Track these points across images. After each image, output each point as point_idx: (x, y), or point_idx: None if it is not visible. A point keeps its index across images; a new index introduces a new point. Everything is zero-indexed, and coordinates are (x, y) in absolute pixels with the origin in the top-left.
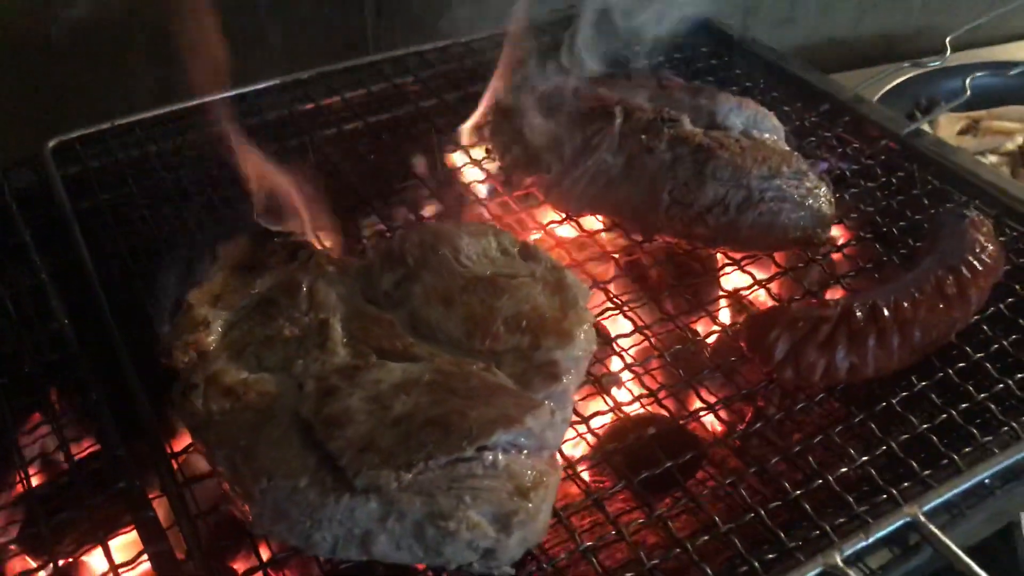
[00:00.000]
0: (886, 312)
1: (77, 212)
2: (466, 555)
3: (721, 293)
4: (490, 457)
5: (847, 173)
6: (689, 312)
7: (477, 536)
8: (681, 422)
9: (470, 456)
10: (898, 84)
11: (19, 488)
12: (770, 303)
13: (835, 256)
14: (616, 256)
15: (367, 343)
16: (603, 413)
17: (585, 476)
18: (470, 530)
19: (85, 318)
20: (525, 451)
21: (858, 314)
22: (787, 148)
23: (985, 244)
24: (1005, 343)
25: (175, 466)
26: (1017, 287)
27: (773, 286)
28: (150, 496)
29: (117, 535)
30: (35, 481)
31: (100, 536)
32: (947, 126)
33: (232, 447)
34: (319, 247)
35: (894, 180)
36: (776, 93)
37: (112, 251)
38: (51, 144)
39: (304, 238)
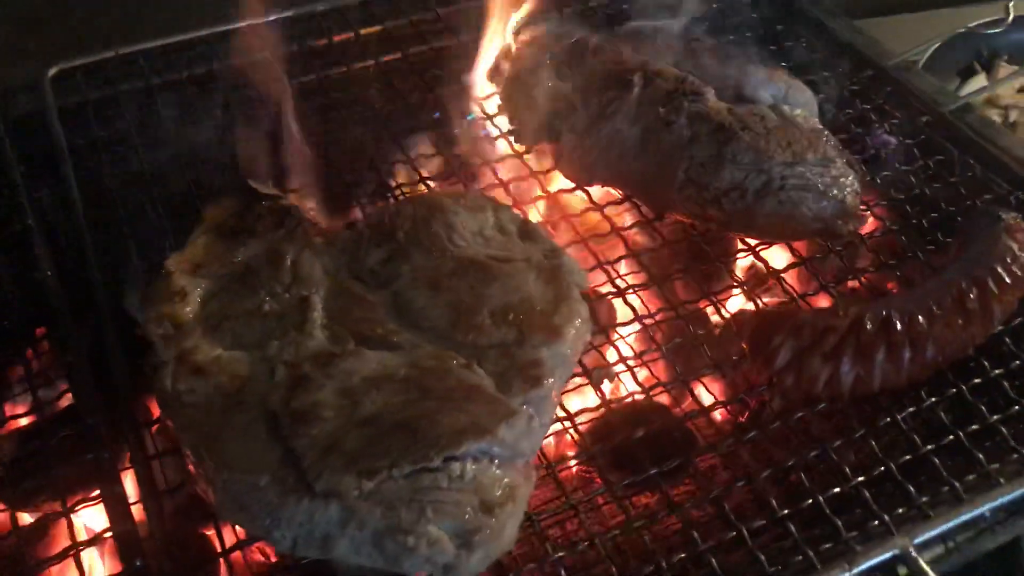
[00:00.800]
0: (898, 325)
1: (72, 147)
2: (425, 568)
3: (732, 282)
4: (457, 468)
5: (882, 153)
6: (696, 300)
7: (436, 552)
8: (673, 421)
9: (436, 466)
10: (957, 36)
11: None
12: (782, 296)
13: (857, 247)
14: (625, 234)
15: (346, 326)
16: (592, 409)
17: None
18: (430, 546)
19: (71, 268)
20: (497, 460)
21: (868, 326)
22: (818, 126)
23: (1018, 253)
24: None
25: (149, 436)
26: None
27: (788, 276)
28: (123, 467)
29: (86, 506)
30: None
31: (66, 508)
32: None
33: (197, 433)
34: (309, 213)
35: (931, 164)
36: (817, 54)
37: (104, 192)
38: (51, 72)
39: (293, 203)
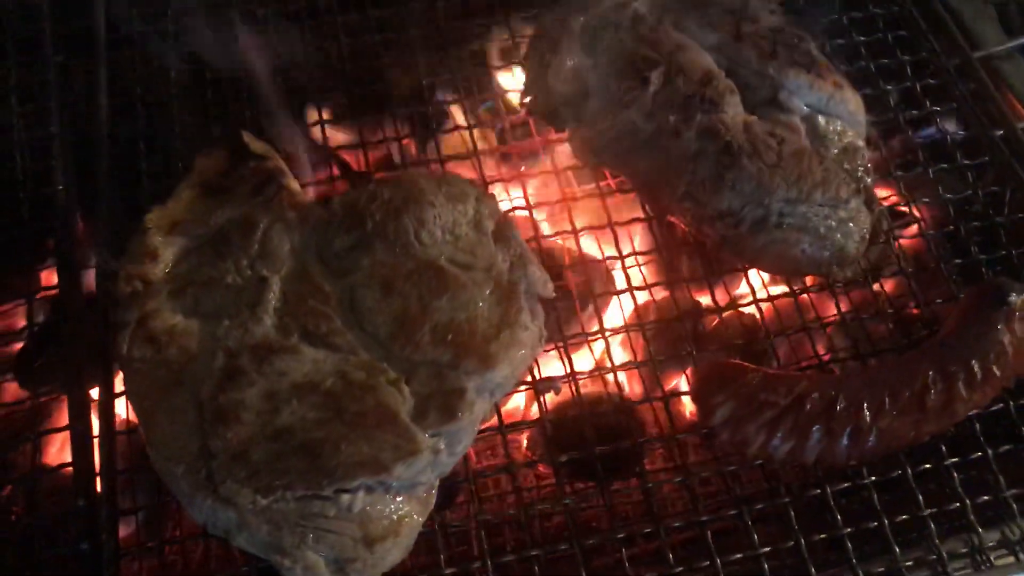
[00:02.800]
0: (841, 413)
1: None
2: None
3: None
4: (346, 500)
5: (931, 174)
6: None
7: (310, 574)
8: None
9: (327, 496)
10: None
11: None
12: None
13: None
14: (620, 229)
15: (296, 318)
16: (530, 421)
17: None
18: (304, 569)
19: (86, 179)
20: (392, 490)
21: (807, 407)
22: (855, 144)
23: (1007, 348)
24: (990, 452)
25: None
26: None
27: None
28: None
29: (53, 435)
30: None
31: (33, 433)
32: None
33: (140, 402)
34: (292, 182)
35: (980, 194)
36: (903, 31)
37: (131, 100)
38: None
39: (279, 167)
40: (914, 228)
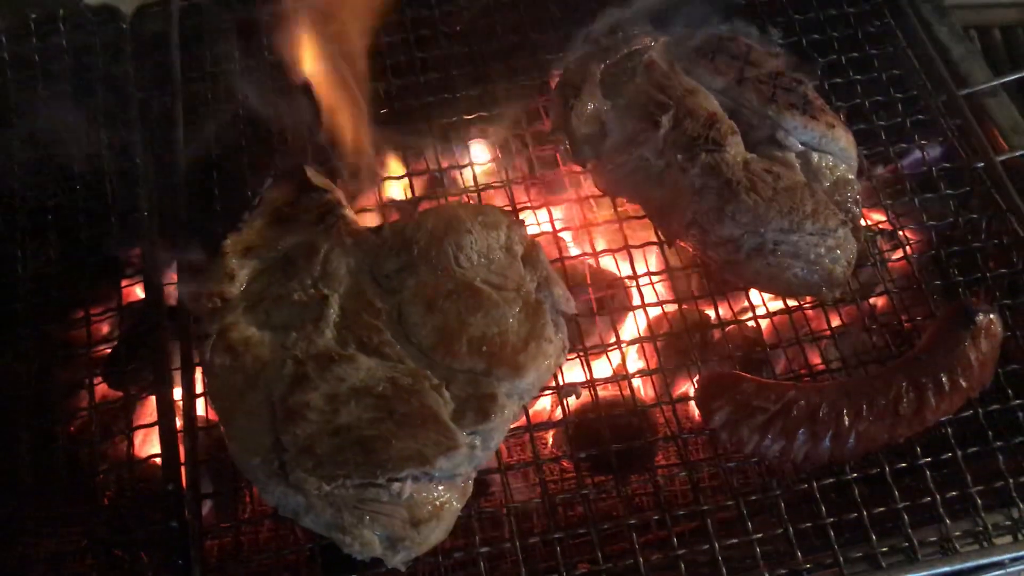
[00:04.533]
0: (821, 414)
1: (186, 79)
2: (360, 556)
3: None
4: (396, 488)
5: (916, 202)
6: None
7: (367, 550)
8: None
9: (380, 483)
10: None
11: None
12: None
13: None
14: (635, 251)
15: (352, 330)
16: (555, 422)
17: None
18: (362, 545)
19: (167, 205)
20: (435, 479)
21: (794, 413)
22: (847, 177)
23: (973, 363)
24: (959, 453)
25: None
26: (1010, 391)
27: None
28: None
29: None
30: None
31: (127, 428)
32: None
33: (220, 403)
34: (348, 211)
35: (961, 222)
36: (896, 70)
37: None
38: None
39: (337, 198)
40: (900, 252)
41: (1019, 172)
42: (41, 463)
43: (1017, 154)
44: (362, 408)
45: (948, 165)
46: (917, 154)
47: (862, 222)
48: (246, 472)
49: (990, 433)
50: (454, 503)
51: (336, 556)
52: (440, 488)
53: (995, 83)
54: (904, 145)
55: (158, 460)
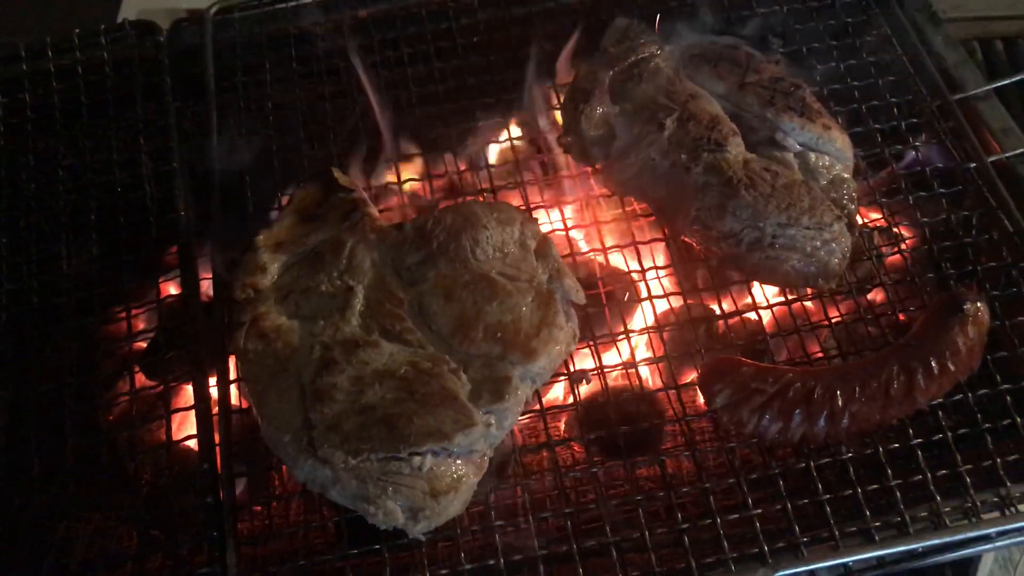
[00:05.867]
0: (816, 396)
1: (219, 89)
2: (383, 525)
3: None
4: (417, 461)
5: (911, 201)
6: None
7: (390, 520)
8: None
9: (402, 457)
10: None
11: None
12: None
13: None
14: (642, 247)
15: (376, 318)
16: (567, 406)
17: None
18: (385, 515)
19: (202, 205)
20: (453, 455)
21: (790, 394)
22: (842, 176)
23: (961, 348)
24: (949, 435)
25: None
26: (998, 377)
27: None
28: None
29: (175, 413)
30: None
31: (166, 412)
32: None
33: (253, 386)
34: (372, 209)
35: (952, 219)
36: (892, 76)
37: (236, 140)
38: (213, 9)
39: (362, 197)
40: (896, 248)
41: (1010, 172)
42: (83, 448)
43: (1008, 155)
44: (385, 389)
45: (942, 166)
46: (912, 156)
47: (858, 218)
48: (277, 449)
49: (979, 416)
50: (471, 477)
51: (360, 528)
52: (458, 463)
53: (988, 88)
54: (900, 147)
55: (192, 444)
